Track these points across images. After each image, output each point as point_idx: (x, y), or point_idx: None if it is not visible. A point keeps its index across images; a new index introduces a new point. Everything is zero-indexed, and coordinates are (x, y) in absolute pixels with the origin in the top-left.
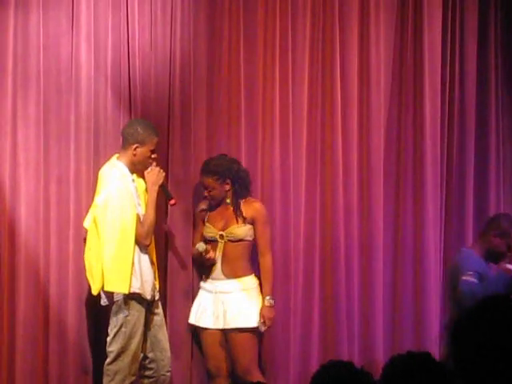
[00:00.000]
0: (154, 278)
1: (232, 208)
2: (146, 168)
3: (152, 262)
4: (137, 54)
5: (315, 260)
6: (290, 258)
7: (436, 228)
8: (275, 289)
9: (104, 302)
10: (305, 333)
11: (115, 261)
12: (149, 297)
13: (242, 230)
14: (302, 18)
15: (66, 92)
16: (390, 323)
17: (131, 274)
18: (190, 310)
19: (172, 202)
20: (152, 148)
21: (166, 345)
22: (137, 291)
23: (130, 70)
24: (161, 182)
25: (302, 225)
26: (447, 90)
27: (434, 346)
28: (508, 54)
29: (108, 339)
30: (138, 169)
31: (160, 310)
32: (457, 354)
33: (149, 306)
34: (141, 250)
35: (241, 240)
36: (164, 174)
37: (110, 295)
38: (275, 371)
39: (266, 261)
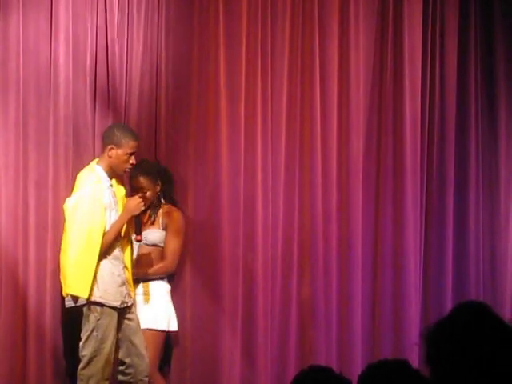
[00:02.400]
0: (128, 284)
1: (150, 212)
2: (123, 172)
3: (125, 268)
4: (116, 57)
5: (293, 265)
6: (268, 262)
7: (416, 233)
8: (256, 295)
9: (67, 304)
10: (282, 339)
11: (78, 265)
12: (116, 304)
13: (156, 236)
14: (281, 23)
15: (45, 96)
16: (368, 330)
17: (92, 280)
18: None
19: (138, 237)
20: (129, 151)
21: (143, 350)
22: (97, 300)
23: (109, 73)
24: (136, 213)
25: (280, 229)
26: (427, 95)
27: (414, 353)
28: (487, 56)
29: (80, 344)
30: (116, 174)
31: (134, 315)
32: (432, 359)
33: (120, 310)
34: (100, 258)
35: (154, 245)
36: (143, 207)
37: (74, 298)
38: (253, 375)
39: (159, 265)
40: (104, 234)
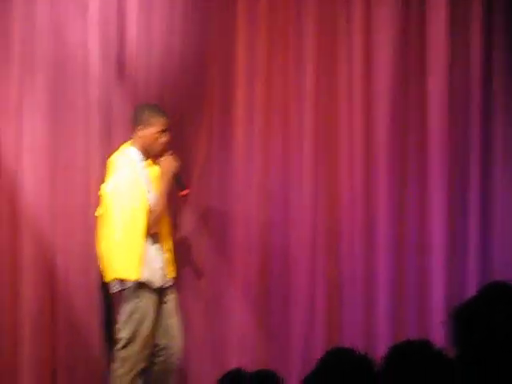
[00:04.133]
0: (168, 266)
1: None
2: (158, 151)
3: (167, 250)
4: (142, 39)
5: (318, 245)
6: (294, 243)
7: (441, 211)
8: (281, 275)
9: (116, 288)
10: (308, 319)
11: (125, 248)
12: (158, 285)
13: None
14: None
15: (74, 77)
16: (393, 309)
17: (141, 261)
18: None
19: (184, 192)
20: (159, 129)
21: (178, 332)
22: (145, 280)
23: (137, 55)
24: (174, 170)
25: (305, 209)
26: (451, 70)
27: (438, 332)
28: None
29: (118, 326)
30: (150, 154)
31: (172, 298)
32: (460, 338)
33: (160, 293)
34: (148, 238)
35: None
36: (178, 162)
37: (120, 282)
38: (278, 357)
39: None
40: (148, 211)
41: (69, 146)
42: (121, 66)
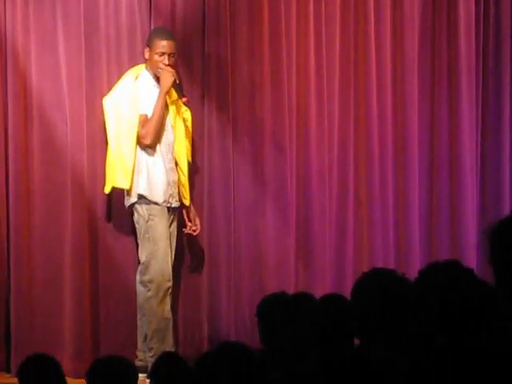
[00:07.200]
0: (174, 185)
1: None
2: (161, 75)
3: (177, 169)
4: None
5: (349, 167)
6: (325, 166)
7: (472, 132)
8: (312, 197)
9: (126, 203)
10: (339, 241)
11: (117, 156)
12: (159, 200)
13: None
14: None
15: (106, 5)
16: (425, 230)
17: (133, 170)
18: None
19: (184, 99)
20: (158, 51)
21: (172, 255)
22: (142, 192)
23: None
24: (170, 83)
25: (335, 131)
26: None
27: (471, 251)
28: None
29: (139, 251)
30: (157, 76)
31: (174, 219)
32: (496, 257)
33: (169, 212)
34: (152, 153)
35: None
36: (173, 72)
37: (125, 197)
38: (314, 278)
39: None
40: (144, 120)
41: (102, 74)
42: None
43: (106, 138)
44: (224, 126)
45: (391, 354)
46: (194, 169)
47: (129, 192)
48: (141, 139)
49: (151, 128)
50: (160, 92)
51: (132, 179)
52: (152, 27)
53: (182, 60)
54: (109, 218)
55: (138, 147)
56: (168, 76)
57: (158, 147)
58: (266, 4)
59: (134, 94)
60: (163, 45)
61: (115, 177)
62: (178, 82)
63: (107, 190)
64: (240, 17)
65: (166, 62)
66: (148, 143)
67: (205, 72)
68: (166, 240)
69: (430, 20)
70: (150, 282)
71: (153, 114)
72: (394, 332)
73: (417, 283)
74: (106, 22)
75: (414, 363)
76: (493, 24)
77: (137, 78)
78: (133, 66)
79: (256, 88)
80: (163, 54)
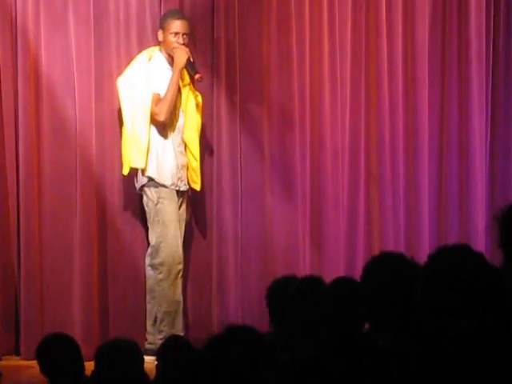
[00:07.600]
0: (183, 169)
1: None
2: (174, 53)
3: (188, 154)
4: None
5: (360, 153)
6: (338, 151)
7: (481, 118)
8: (324, 182)
9: (137, 185)
10: (350, 224)
11: (132, 136)
12: (168, 183)
13: None
14: None
15: None
16: (435, 215)
17: (147, 149)
18: None
19: (197, 76)
20: (172, 31)
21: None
22: (151, 175)
23: None
24: (184, 60)
25: (347, 118)
26: None
27: (480, 236)
28: None
29: (149, 234)
30: (172, 57)
31: (183, 203)
32: (506, 240)
33: (177, 195)
34: (163, 135)
35: None
36: (187, 50)
37: (136, 177)
38: (324, 261)
39: None
40: (157, 99)
41: (111, 54)
42: None
43: (116, 121)
44: (233, 109)
45: (399, 340)
46: (202, 152)
47: (143, 171)
48: (154, 116)
49: (165, 104)
50: (174, 69)
51: (147, 159)
52: (161, 10)
53: (191, 44)
54: (118, 201)
55: (152, 128)
56: (182, 54)
57: (168, 130)
58: None
59: (148, 75)
60: (177, 24)
61: (132, 157)
62: (191, 60)
63: (125, 171)
64: (249, 0)
65: (181, 41)
66: (162, 119)
67: (214, 56)
68: (176, 223)
69: (440, 7)
70: (161, 264)
71: (167, 91)
72: (402, 316)
73: (426, 267)
74: (116, 5)
75: (422, 348)
76: (503, 11)
77: (150, 59)
78: (142, 49)
79: (265, 71)
80: (177, 33)
